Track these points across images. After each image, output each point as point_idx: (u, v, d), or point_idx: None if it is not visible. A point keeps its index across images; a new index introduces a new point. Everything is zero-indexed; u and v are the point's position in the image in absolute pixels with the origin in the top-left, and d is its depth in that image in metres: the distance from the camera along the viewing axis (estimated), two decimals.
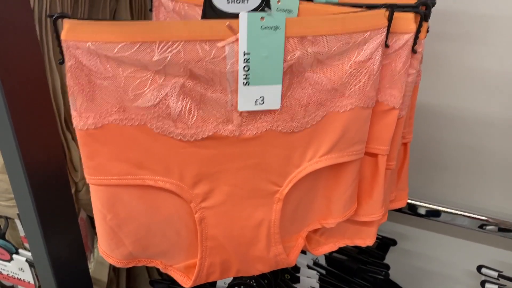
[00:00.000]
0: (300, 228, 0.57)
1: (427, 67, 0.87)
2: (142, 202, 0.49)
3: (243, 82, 0.44)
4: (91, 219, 0.80)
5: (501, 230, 0.92)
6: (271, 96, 0.46)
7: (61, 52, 0.40)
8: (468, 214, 0.93)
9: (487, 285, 0.85)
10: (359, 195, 0.57)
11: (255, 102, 0.45)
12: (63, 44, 0.39)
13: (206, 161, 0.48)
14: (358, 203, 0.58)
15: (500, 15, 0.81)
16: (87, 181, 0.47)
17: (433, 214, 0.96)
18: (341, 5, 0.51)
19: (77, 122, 0.43)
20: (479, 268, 0.88)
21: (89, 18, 0.87)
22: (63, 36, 0.39)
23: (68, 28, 0.39)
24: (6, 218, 0.76)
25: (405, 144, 0.63)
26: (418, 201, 0.97)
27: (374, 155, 0.54)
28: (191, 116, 0.45)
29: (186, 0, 0.54)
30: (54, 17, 0.39)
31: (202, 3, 0.53)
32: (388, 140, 0.53)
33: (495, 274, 0.86)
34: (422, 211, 0.97)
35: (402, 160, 0.64)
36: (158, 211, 0.50)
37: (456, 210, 0.94)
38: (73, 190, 0.80)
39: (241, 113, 0.46)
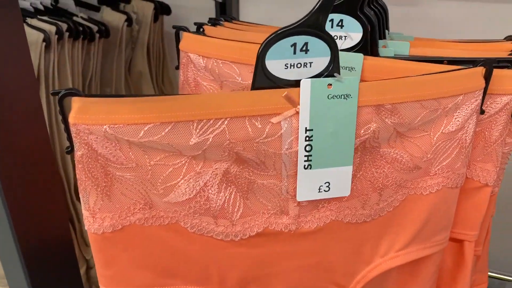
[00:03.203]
0: None
1: None
2: None
3: (304, 165, 0.34)
4: None
5: None
6: (338, 180, 0.35)
7: (69, 139, 0.30)
8: None
9: None
10: None
11: (319, 189, 0.35)
12: (72, 129, 0.30)
13: (254, 263, 0.38)
14: None
15: None
16: None
17: None
18: (411, 59, 0.41)
19: (90, 224, 0.33)
20: None
21: (104, 93, 0.76)
22: (71, 118, 0.29)
23: (78, 108, 0.29)
24: None
25: None
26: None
27: (459, 241, 0.44)
28: (236, 209, 0.35)
29: (220, 56, 0.44)
30: (60, 94, 0.29)
31: (239, 59, 0.44)
32: (478, 224, 0.42)
33: None
34: None
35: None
36: None
37: None
38: (83, 269, 0.70)
39: (299, 202, 0.36)
